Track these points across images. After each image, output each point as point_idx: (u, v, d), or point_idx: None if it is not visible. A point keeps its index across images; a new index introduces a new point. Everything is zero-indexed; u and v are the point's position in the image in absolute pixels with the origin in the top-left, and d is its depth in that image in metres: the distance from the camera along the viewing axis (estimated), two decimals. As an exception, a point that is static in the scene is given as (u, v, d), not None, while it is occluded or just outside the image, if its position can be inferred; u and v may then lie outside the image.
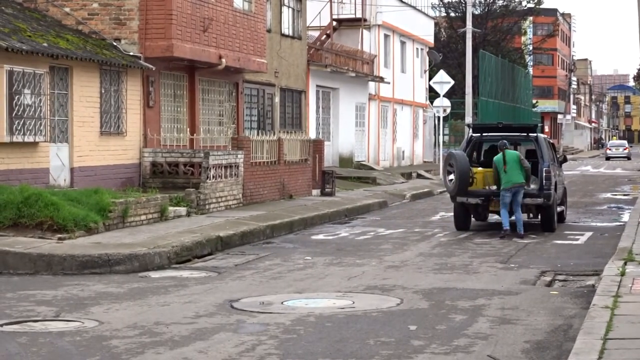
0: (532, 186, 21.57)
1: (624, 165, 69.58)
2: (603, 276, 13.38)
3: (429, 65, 59.41)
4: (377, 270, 15.75)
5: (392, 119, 52.31)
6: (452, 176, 21.57)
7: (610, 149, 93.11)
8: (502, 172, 20.82)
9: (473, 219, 22.91)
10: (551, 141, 25.42)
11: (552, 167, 21.95)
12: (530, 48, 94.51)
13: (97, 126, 22.80)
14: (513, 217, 21.07)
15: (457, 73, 63.04)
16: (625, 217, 25.22)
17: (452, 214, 22.96)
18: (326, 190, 30.46)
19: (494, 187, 21.54)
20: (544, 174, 21.42)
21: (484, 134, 23.54)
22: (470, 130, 23.93)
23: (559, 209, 23.10)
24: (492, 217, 23.45)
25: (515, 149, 22.20)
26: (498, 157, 21.05)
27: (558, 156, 24.55)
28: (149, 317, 11.48)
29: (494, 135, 23.28)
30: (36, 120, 20.18)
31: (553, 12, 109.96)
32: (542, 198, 21.46)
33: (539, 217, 22.21)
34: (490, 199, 21.67)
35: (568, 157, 28.50)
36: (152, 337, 10.36)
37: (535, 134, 22.88)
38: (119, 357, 9.50)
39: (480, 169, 22.37)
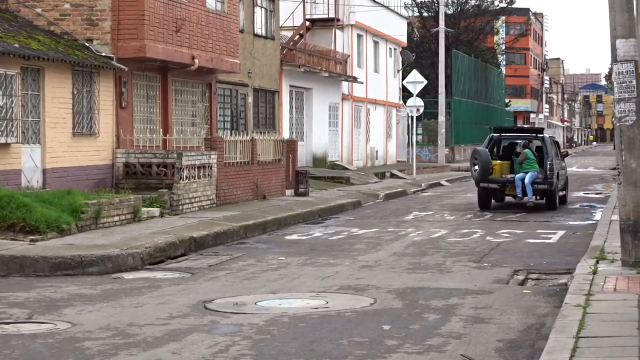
0: (539, 175, 27.14)
1: (596, 164, 69.94)
2: (575, 275, 13.43)
3: (402, 65, 59.47)
4: (350, 270, 15.76)
5: (365, 119, 52.35)
6: (476, 167, 27.47)
7: None
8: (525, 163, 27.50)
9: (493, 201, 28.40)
10: (556, 139, 31.21)
11: (555, 160, 27.54)
12: (503, 47, 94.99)
13: (69, 127, 22.70)
14: (528, 198, 27.25)
15: (430, 73, 63.23)
16: (598, 215, 25.36)
17: (428, 211, 25.22)
18: (300, 190, 30.45)
19: (510, 176, 27.63)
20: (548, 166, 27.17)
21: (502, 134, 29.40)
22: (492, 131, 29.30)
23: (561, 193, 29.05)
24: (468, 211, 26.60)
25: (528, 145, 28.16)
26: (529, 151, 27.68)
27: (562, 151, 30.60)
28: (122, 319, 11.44)
29: (510, 135, 29.90)
30: (8, 122, 20.08)
31: (525, 11, 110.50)
32: (547, 185, 27.24)
33: (544, 199, 27.79)
34: (505, 185, 27.64)
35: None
36: (125, 339, 10.33)
37: (542, 135, 28.73)
38: (92, 358, 9.46)
39: (498, 161, 28.25)
